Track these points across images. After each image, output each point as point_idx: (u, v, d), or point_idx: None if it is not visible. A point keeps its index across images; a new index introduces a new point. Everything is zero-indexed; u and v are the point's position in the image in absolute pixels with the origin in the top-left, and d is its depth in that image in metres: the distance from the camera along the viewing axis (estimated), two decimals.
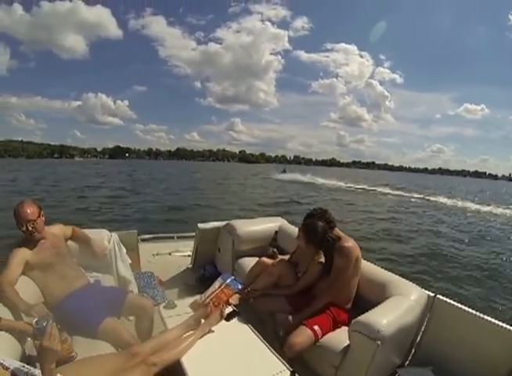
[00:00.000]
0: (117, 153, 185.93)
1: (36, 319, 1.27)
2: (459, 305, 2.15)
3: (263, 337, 1.95)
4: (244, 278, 2.64)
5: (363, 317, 1.86)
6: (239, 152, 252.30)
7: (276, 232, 3.37)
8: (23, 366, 1.28)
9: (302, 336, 1.98)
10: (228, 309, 2.15)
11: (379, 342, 1.70)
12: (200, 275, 3.58)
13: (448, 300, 2.22)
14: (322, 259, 2.37)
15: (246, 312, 2.23)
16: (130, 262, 2.97)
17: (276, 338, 2.12)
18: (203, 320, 1.99)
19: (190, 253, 4.04)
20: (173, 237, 4.71)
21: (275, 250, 3.13)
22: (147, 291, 3.03)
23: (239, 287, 2.42)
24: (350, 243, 2.28)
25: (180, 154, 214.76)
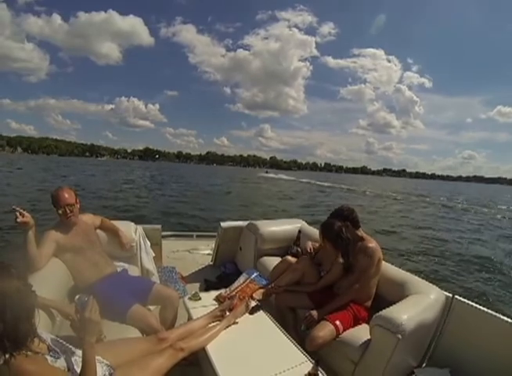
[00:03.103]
0: (146, 154, 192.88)
1: (78, 295, 1.45)
2: (478, 306, 2.25)
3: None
4: (267, 275, 2.79)
5: (385, 312, 1.99)
6: (270, 158, 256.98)
7: (300, 231, 3.54)
8: (58, 341, 1.40)
9: (325, 330, 2.12)
10: (252, 303, 2.30)
11: (400, 336, 1.82)
12: (221, 272, 3.78)
13: (467, 301, 2.32)
14: (340, 259, 2.52)
15: (268, 306, 2.38)
16: (154, 255, 3.17)
17: (296, 333, 2.25)
18: (228, 312, 2.16)
19: (209, 251, 4.28)
20: (192, 236, 5.00)
21: (299, 249, 3.31)
22: (169, 284, 3.22)
23: (264, 282, 2.60)
24: (373, 243, 2.44)
25: (210, 158, 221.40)
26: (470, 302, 2.32)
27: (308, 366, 1.72)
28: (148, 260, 3.07)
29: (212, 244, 4.28)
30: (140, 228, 3.11)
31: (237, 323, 2.12)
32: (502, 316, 2.15)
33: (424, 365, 2.42)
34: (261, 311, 2.29)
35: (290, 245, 3.49)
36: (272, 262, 3.17)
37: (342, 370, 2.13)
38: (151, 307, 2.42)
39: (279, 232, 3.64)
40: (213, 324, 2.05)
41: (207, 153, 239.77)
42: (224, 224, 3.76)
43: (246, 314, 2.22)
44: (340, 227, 2.47)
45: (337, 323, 2.18)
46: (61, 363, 1.29)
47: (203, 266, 4.02)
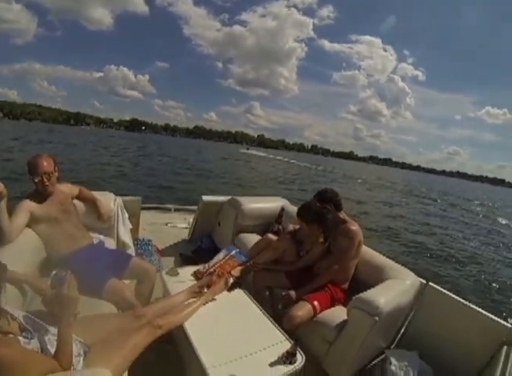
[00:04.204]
0: (133, 125, 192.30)
1: (55, 271, 1.39)
2: (449, 294, 2.38)
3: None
4: (245, 252, 2.82)
5: (364, 295, 2.03)
6: (258, 136, 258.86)
7: (283, 209, 3.56)
8: (30, 318, 1.36)
9: (303, 310, 2.15)
10: (231, 280, 2.31)
11: (377, 318, 1.88)
12: (197, 247, 3.77)
13: (439, 288, 2.44)
14: (322, 239, 2.55)
15: (245, 284, 2.41)
16: (131, 227, 3.14)
17: (273, 312, 2.26)
18: (206, 289, 2.17)
19: (186, 225, 4.30)
20: (170, 209, 4.99)
21: (280, 227, 3.35)
22: (144, 257, 3.19)
23: (243, 259, 2.63)
24: (355, 226, 2.48)
25: (197, 133, 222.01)
26: (442, 289, 2.43)
27: (286, 345, 1.77)
28: (125, 232, 3.03)
29: (190, 217, 4.30)
30: (119, 199, 3.06)
31: (215, 300, 2.13)
32: (470, 304, 2.29)
33: (393, 346, 2.54)
34: (240, 288, 2.32)
35: (271, 223, 3.52)
36: (251, 238, 3.20)
37: (317, 349, 2.17)
38: (126, 281, 2.37)
39: (261, 209, 3.64)
40: (191, 301, 2.05)
41: (195, 127, 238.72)
42: (205, 198, 3.74)
43: (225, 291, 2.24)
44: (314, 203, 2.52)
45: (315, 303, 2.22)
46: (34, 344, 1.26)
47: (179, 240, 4.02)
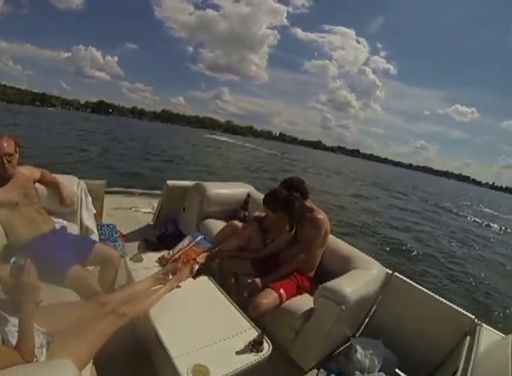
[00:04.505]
0: (100, 108, 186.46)
1: (13, 258, 1.33)
2: (414, 284, 2.43)
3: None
4: (210, 238, 2.79)
5: (331, 283, 2.06)
6: (226, 122, 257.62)
7: (249, 195, 3.55)
8: None
9: (268, 298, 2.15)
10: (196, 267, 2.28)
11: (343, 307, 1.90)
12: (161, 233, 3.72)
13: (405, 278, 2.49)
14: (288, 227, 2.51)
15: (210, 271, 2.39)
16: (95, 211, 3.06)
17: (238, 299, 2.22)
18: (171, 275, 2.13)
19: (151, 210, 4.23)
20: (134, 193, 4.88)
21: (246, 213, 3.34)
22: (108, 243, 3.12)
23: (208, 245, 2.59)
24: (322, 215, 2.48)
25: (165, 117, 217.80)
26: (407, 279, 2.49)
27: (253, 333, 1.76)
28: (88, 217, 2.94)
29: (154, 202, 4.23)
30: (83, 183, 2.96)
31: (180, 287, 2.10)
32: (434, 295, 2.35)
33: (359, 334, 2.59)
34: (205, 275, 2.29)
35: (237, 209, 3.51)
36: (216, 224, 3.17)
37: (283, 338, 2.18)
38: (89, 267, 2.30)
39: (227, 194, 3.62)
40: (156, 287, 2.01)
41: (162, 110, 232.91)
42: (170, 182, 3.68)
43: (190, 278, 2.21)
44: (281, 191, 2.51)
45: (281, 291, 2.21)
46: None
47: (144, 225, 3.96)
